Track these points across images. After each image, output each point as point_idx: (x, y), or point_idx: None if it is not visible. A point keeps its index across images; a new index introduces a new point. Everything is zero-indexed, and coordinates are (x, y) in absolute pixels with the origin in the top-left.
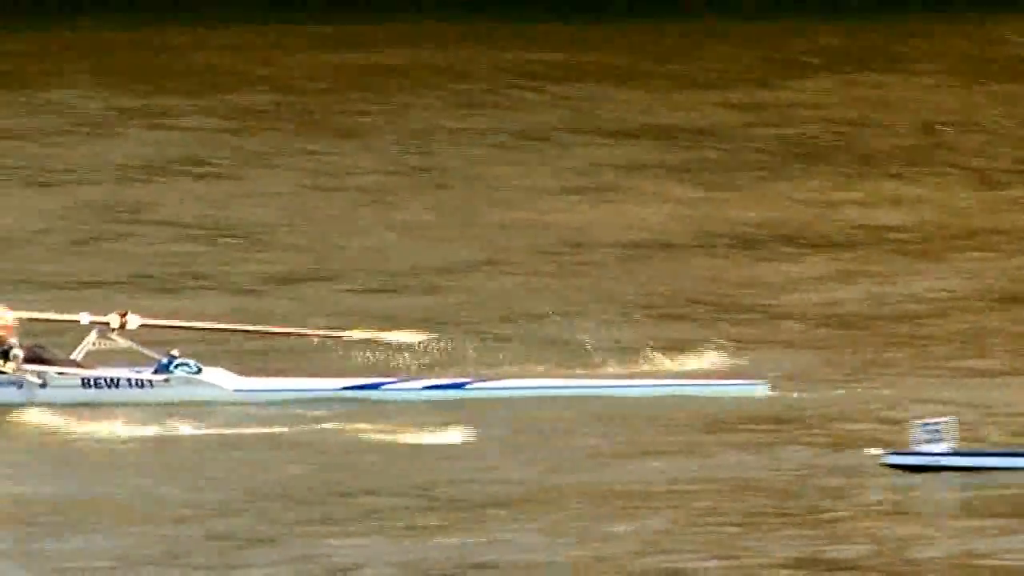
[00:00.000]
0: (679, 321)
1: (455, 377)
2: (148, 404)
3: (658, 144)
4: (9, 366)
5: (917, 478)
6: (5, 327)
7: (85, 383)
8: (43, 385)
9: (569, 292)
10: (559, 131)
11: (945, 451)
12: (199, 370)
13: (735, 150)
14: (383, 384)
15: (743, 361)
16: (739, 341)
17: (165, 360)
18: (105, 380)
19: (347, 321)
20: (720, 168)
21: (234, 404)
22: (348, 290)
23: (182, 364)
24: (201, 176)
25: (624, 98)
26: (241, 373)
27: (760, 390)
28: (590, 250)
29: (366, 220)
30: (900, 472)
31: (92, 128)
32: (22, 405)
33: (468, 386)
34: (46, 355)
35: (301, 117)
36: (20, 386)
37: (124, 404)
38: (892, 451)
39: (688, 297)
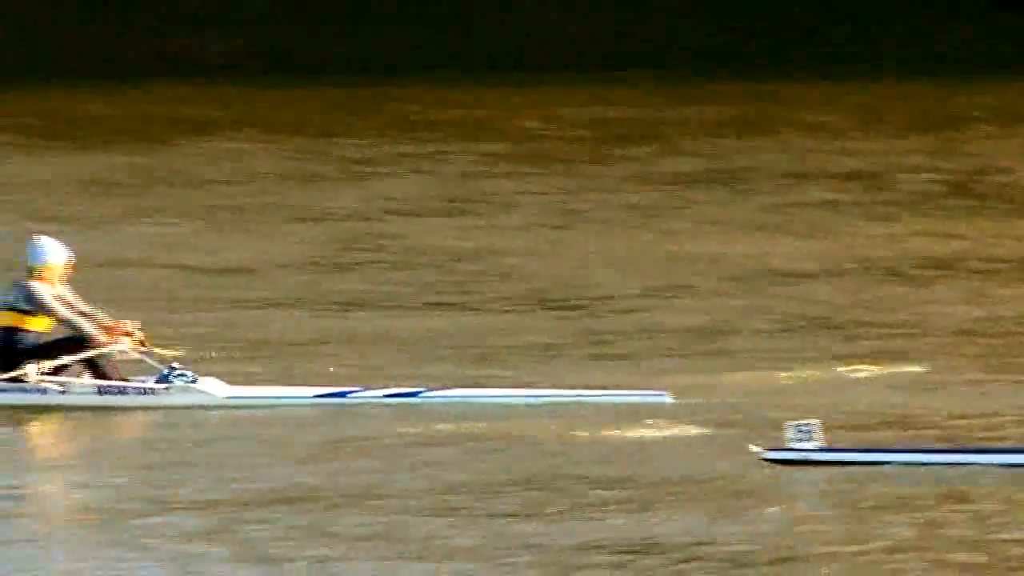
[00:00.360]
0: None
1: (412, 387)
2: (152, 408)
3: (835, 184)
4: (32, 377)
5: (791, 470)
6: (68, 266)
7: (99, 390)
8: (64, 392)
9: (756, 313)
10: (751, 174)
11: (814, 448)
12: (195, 379)
13: (907, 190)
14: (349, 392)
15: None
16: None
17: (166, 371)
18: (116, 388)
19: (556, 339)
20: (894, 204)
21: (224, 408)
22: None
23: (180, 374)
24: (452, 213)
25: (804, 145)
26: (230, 383)
27: (664, 399)
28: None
29: (593, 250)
30: (777, 465)
31: (358, 170)
32: (46, 407)
33: (421, 395)
34: (102, 367)
35: (538, 161)
36: (44, 392)
37: (132, 408)
38: (770, 447)
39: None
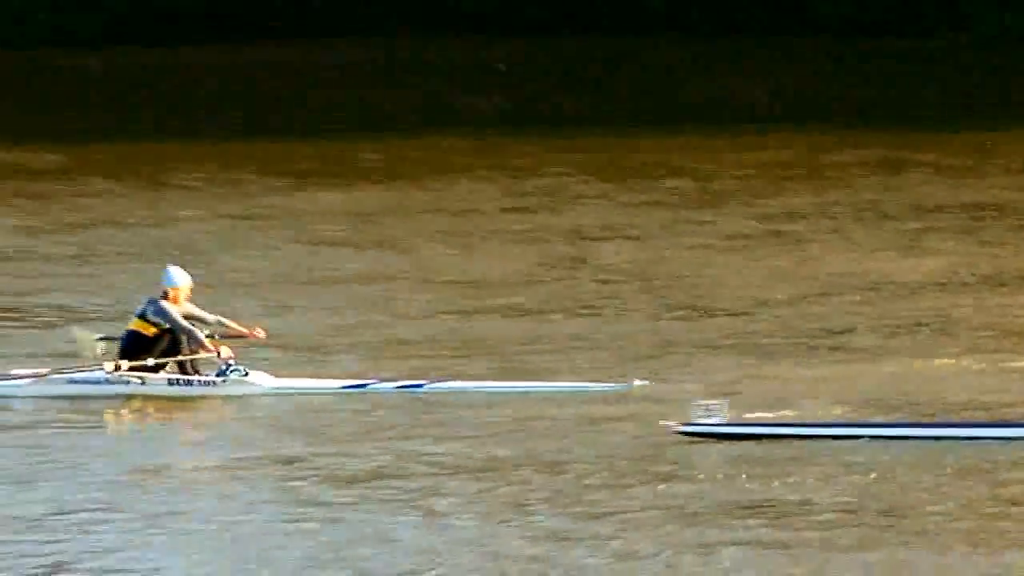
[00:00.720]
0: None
1: (417, 380)
2: (213, 397)
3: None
4: (111, 372)
5: (699, 442)
6: (190, 288)
7: (169, 382)
8: (142, 383)
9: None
10: (884, 207)
11: (718, 423)
12: (247, 373)
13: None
14: (368, 384)
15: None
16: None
17: (223, 366)
18: (184, 380)
19: (720, 339)
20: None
21: (270, 396)
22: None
23: (235, 369)
24: (633, 237)
25: (936, 182)
26: (275, 375)
27: (631, 386)
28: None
29: (744, 266)
30: (688, 438)
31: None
32: (129, 395)
33: (425, 387)
34: (187, 366)
35: (710, 196)
36: (127, 383)
37: (200, 397)
38: (682, 422)
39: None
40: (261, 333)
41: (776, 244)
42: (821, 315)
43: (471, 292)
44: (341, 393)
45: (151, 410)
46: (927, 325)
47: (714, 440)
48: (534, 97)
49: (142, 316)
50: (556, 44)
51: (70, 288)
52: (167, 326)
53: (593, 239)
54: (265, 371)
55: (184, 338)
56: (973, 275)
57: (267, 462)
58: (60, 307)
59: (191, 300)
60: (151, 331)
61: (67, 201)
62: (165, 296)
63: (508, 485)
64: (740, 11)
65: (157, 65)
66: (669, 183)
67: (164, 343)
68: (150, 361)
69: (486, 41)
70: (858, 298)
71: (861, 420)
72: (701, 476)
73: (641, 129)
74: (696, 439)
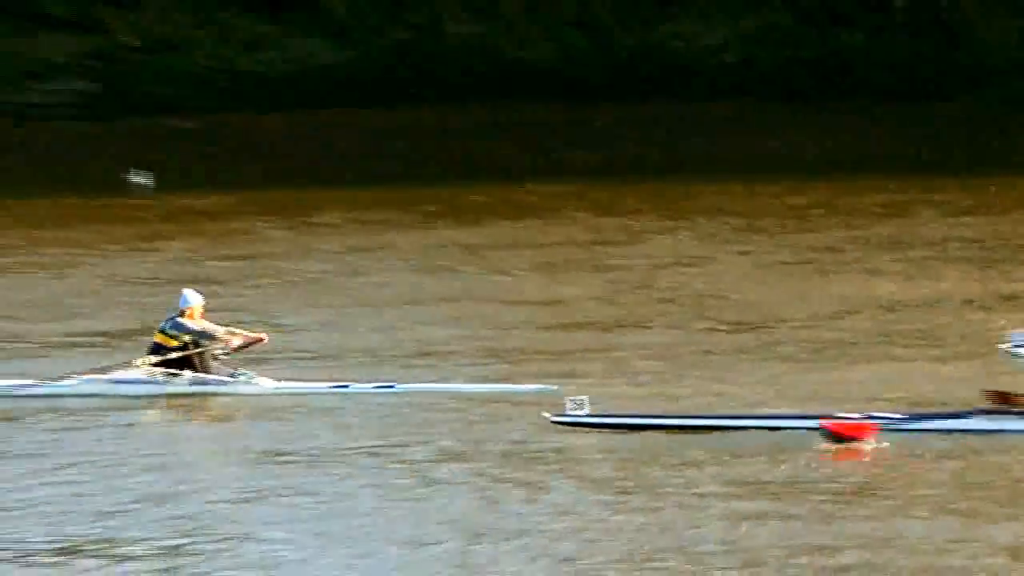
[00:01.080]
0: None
1: (389, 381)
2: (226, 396)
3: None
4: (145, 369)
5: (569, 432)
6: (203, 307)
7: (191, 382)
8: (167, 383)
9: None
10: (898, 240)
11: (584, 414)
12: (253, 377)
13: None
14: (350, 385)
15: None
16: None
17: (233, 371)
18: (202, 380)
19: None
20: None
21: (273, 396)
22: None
23: (243, 373)
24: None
25: (941, 220)
26: (276, 379)
27: (552, 389)
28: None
29: (787, 289)
30: (560, 427)
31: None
32: (156, 395)
33: (396, 387)
34: (206, 366)
35: (751, 232)
36: (157, 382)
37: (215, 395)
38: (555, 413)
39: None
40: (265, 337)
41: (804, 270)
42: (827, 327)
43: (550, 310)
44: (332, 393)
45: (201, 407)
46: (911, 335)
47: (583, 429)
48: (622, 152)
49: (163, 331)
50: (640, 109)
51: (222, 306)
52: (186, 339)
53: (658, 267)
54: (268, 376)
55: (200, 346)
56: (962, 296)
57: (362, 450)
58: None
59: (204, 316)
60: (171, 343)
61: (232, 235)
62: (182, 314)
63: (401, 464)
64: (795, 79)
65: (311, 124)
66: (723, 221)
67: (181, 353)
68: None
69: (585, 105)
70: (862, 315)
71: (698, 413)
72: (543, 448)
73: (703, 177)
74: (566, 428)
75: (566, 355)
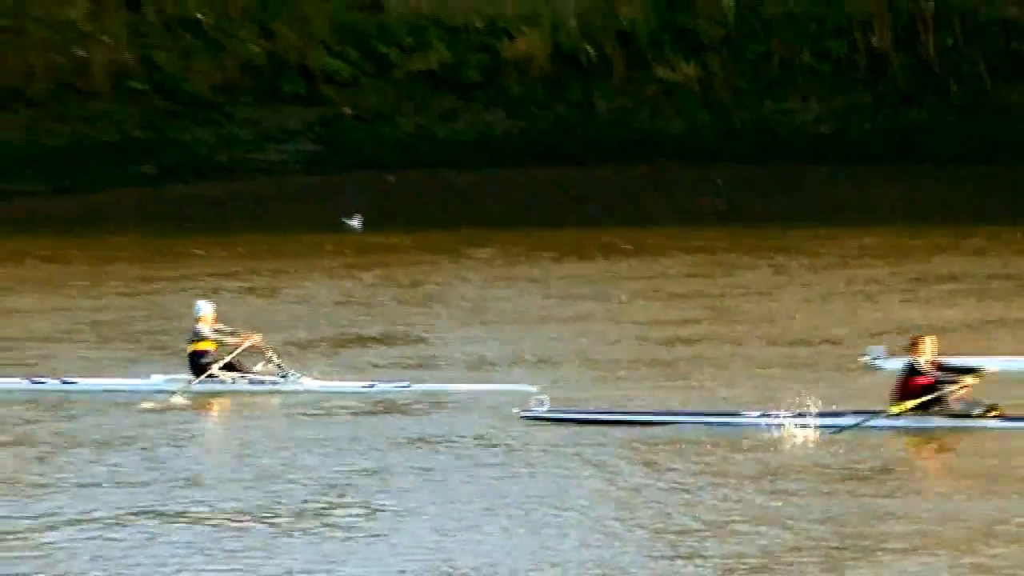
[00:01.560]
0: None
1: (399, 381)
2: (280, 393)
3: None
4: (218, 375)
5: (530, 425)
6: (215, 315)
7: (250, 381)
8: (233, 382)
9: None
10: (946, 275)
11: (546, 410)
12: (300, 378)
13: None
14: (375, 385)
15: None
16: None
17: (284, 372)
18: (260, 380)
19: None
20: None
21: (313, 393)
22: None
23: (293, 374)
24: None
25: (974, 259)
26: (318, 379)
27: (529, 389)
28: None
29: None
30: (529, 421)
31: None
32: (224, 391)
33: (410, 386)
34: (245, 367)
35: (813, 267)
36: (224, 382)
37: (270, 394)
38: (524, 409)
39: None
40: (258, 337)
41: (853, 299)
42: (857, 345)
43: (645, 329)
44: (361, 391)
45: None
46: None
47: (547, 423)
48: (740, 202)
49: (190, 341)
50: (749, 169)
51: (385, 320)
52: (210, 339)
53: (741, 295)
54: (310, 376)
55: (222, 344)
56: (980, 319)
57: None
58: (388, 335)
59: (217, 322)
60: (200, 347)
61: (406, 266)
62: (197, 322)
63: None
64: (873, 146)
65: (490, 179)
66: (797, 259)
67: (213, 353)
68: (217, 367)
69: (705, 166)
70: (896, 335)
71: (644, 410)
72: (504, 442)
73: (798, 224)
74: (532, 422)
75: (634, 363)
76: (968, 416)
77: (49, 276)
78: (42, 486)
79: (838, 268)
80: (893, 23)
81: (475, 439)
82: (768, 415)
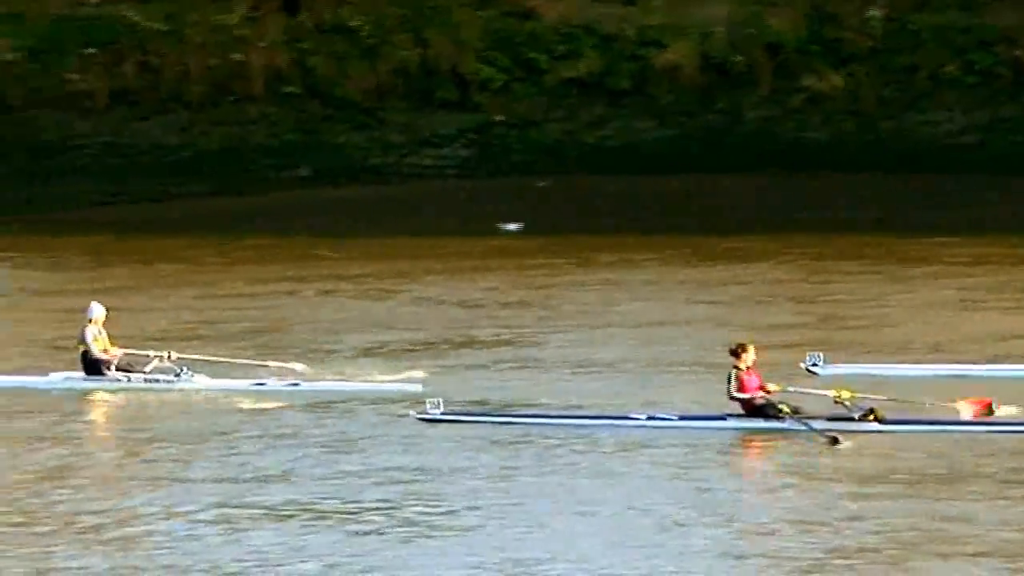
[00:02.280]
0: None
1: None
2: (176, 392)
3: None
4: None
5: (428, 426)
6: (104, 318)
7: (145, 380)
8: (116, 379)
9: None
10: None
11: (440, 412)
12: (193, 375)
13: None
14: (265, 383)
15: None
16: None
17: (178, 370)
18: (154, 379)
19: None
20: None
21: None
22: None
23: (186, 372)
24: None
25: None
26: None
27: (416, 387)
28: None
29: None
30: (424, 422)
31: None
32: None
33: (300, 385)
34: (136, 367)
35: (913, 277)
36: (123, 380)
37: (167, 392)
38: (420, 412)
39: None
40: (119, 353)
41: (945, 309)
42: (927, 352)
43: (698, 332)
44: (251, 390)
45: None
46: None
47: (440, 423)
48: (885, 212)
49: (80, 341)
50: (892, 179)
51: (492, 322)
52: (99, 340)
53: (844, 302)
54: (205, 375)
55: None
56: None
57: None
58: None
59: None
60: (84, 347)
61: (530, 268)
62: (88, 322)
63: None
64: (1017, 157)
65: (635, 185)
66: (911, 268)
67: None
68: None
69: (847, 175)
70: (964, 345)
71: (540, 411)
72: (397, 439)
73: (938, 233)
74: (427, 423)
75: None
76: (851, 419)
77: (213, 278)
78: None
79: (927, 276)
80: None
81: (369, 437)
82: (652, 416)
